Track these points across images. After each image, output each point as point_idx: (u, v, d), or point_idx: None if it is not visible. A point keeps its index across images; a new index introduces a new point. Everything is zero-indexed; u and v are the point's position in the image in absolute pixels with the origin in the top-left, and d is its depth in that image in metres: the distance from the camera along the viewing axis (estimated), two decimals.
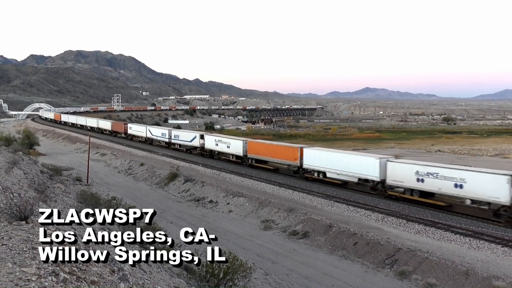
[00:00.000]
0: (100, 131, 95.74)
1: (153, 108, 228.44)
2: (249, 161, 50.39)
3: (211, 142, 57.37)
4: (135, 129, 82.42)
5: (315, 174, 41.24)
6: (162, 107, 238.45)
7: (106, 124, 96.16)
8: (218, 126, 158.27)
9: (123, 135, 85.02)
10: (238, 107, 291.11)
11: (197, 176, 44.99)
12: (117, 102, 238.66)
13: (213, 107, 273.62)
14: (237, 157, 52.21)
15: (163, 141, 70.24)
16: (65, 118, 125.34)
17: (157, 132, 73.59)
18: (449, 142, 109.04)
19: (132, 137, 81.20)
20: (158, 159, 57.33)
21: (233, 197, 37.27)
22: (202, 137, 60.11)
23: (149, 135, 74.82)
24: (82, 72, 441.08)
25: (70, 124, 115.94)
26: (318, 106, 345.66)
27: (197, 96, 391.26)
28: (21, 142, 57.33)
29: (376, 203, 33.44)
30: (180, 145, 65.77)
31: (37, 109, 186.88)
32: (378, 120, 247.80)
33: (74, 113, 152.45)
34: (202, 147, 59.23)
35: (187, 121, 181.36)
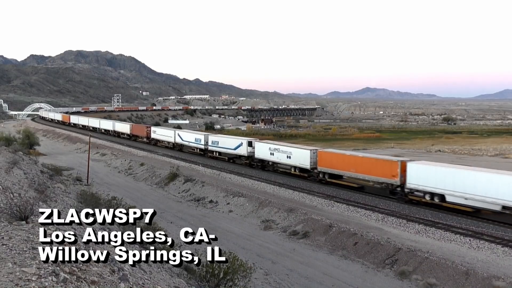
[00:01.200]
0: (116, 134, 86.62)
1: (144, 108, 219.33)
2: (320, 175, 41.45)
3: (264, 150, 48.44)
4: (161, 133, 72.57)
5: (426, 197, 32.16)
6: (154, 107, 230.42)
7: (123, 127, 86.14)
8: (218, 126, 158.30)
9: (145, 139, 75.44)
10: (233, 107, 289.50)
11: (197, 176, 45.00)
12: (117, 102, 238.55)
13: (212, 107, 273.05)
14: (302, 170, 43.39)
15: (197, 148, 61.10)
16: (75, 119, 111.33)
17: (189, 137, 63.69)
18: (449, 142, 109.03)
19: (156, 142, 72.21)
20: (158, 159, 57.33)
21: (233, 197, 37.28)
22: (250, 144, 50.93)
23: (178, 140, 65.58)
24: (82, 72, 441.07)
25: (81, 126, 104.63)
26: (317, 106, 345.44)
27: (197, 96, 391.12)
28: (21, 142, 57.37)
29: (376, 203, 33.45)
30: (220, 153, 56.50)
31: (37, 109, 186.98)
32: (378, 120, 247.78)
33: (83, 113, 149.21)
34: (250, 156, 50.60)
35: (187, 121, 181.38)
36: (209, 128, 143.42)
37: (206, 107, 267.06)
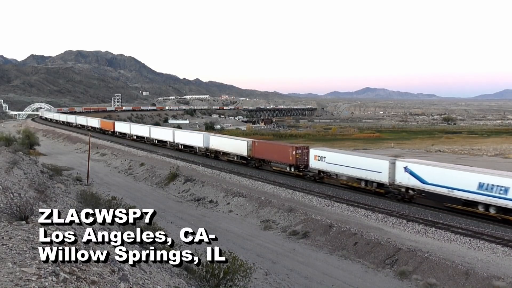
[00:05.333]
0: (150, 142, 74.31)
1: (130, 108, 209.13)
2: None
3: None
4: (183, 137, 64.90)
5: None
6: (141, 107, 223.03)
7: (165, 134, 70.96)
8: (218, 126, 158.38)
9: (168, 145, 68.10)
10: (230, 107, 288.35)
11: (197, 176, 44.99)
12: (117, 102, 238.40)
13: (211, 107, 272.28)
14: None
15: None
16: (123, 128, 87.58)
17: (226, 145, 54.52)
18: (449, 142, 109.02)
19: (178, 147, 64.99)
20: (158, 159, 57.32)
21: (233, 197, 37.27)
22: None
23: (225, 148, 54.40)
24: (82, 72, 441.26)
25: (118, 133, 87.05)
26: (314, 107, 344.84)
27: (197, 96, 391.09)
28: (21, 142, 57.37)
29: (376, 203, 33.45)
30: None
31: (37, 109, 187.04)
32: (378, 120, 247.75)
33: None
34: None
35: (187, 121, 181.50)
36: (209, 128, 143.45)
37: (206, 107, 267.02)
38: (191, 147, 62.37)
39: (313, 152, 41.90)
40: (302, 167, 43.18)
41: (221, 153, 55.29)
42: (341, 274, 22.48)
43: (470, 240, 24.79)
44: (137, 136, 79.30)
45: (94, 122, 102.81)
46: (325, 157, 40.16)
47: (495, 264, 21.50)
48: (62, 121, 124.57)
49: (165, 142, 69.82)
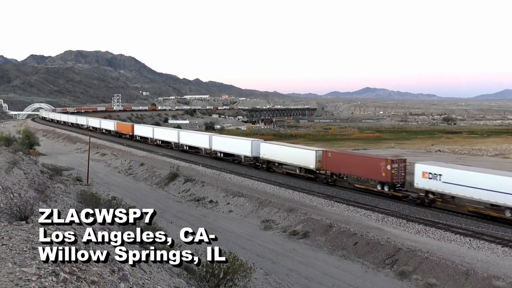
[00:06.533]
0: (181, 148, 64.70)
1: (121, 108, 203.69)
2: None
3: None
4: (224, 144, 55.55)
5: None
6: (132, 107, 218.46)
7: (202, 139, 60.35)
8: (218, 126, 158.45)
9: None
10: (224, 107, 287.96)
11: (197, 176, 44.99)
12: (117, 102, 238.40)
13: (211, 107, 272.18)
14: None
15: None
16: (143, 132, 77.64)
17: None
18: (449, 142, 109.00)
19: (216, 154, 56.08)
20: (158, 159, 57.31)
21: (233, 197, 37.28)
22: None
23: (292, 161, 45.08)
24: (82, 72, 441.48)
25: (138, 138, 77.44)
26: (311, 107, 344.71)
27: (197, 96, 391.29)
28: (21, 142, 57.39)
29: (376, 203, 33.45)
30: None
31: (37, 109, 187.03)
32: (378, 120, 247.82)
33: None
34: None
35: (187, 121, 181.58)
36: (209, 128, 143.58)
37: (207, 107, 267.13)
38: (232, 155, 53.44)
39: (421, 168, 33.44)
40: (399, 185, 35.18)
41: (276, 164, 47.14)
42: (341, 274, 22.48)
43: (470, 240, 24.80)
44: (162, 141, 69.22)
45: (109, 124, 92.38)
46: (441, 175, 31.68)
47: (495, 264, 21.51)
48: (71, 123, 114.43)
49: (199, 148, 60.58)
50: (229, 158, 54.00)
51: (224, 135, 70.19)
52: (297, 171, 44.13)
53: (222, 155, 54.73)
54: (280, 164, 46.44)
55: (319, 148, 45.24)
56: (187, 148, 62.99)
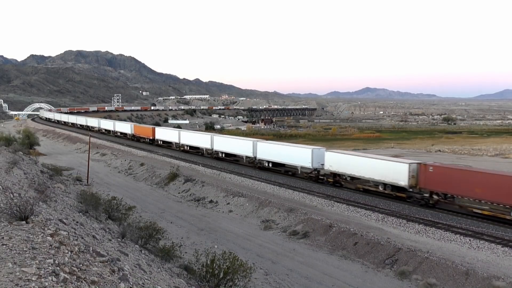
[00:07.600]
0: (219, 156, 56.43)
1: (113, 109, 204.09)
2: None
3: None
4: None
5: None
6: (125, 107, 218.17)
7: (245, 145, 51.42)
8: (218, 126, 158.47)
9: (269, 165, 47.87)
10: (219, 107, 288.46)
11: (197, 176, 44.98)
12: (117, 102, 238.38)
13: (201, 107, 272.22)
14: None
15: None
16: (164, 135, 70.68)
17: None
18: (449, 142, 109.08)
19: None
20: (158, 159, 57.30)
21: (233, 197, 37.26)
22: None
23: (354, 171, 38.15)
24: (82, 72, 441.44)
25: (161, 142, 70.38)
26: (311, 107, 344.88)
27: (197, 96, 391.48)
28: (21, 142, 57.41)
29: (376, 203, 33.44)
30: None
31: (37, 109, 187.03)
32: (378, 120, 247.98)
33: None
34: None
35: (187, 121, 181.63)
36: (209, 128, 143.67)
37: (201, 107, 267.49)
38: (283, 165, 46.27)
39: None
40: None
41: (348, 178, 38.60)
42: (341, 274, 22.47)
43: (470, 240, 24.79)
44: (190, 147, 62.07)
45: (125, 127, 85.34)
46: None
47: (495, 264, 21.50)
48: (80, 125, 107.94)
49: (239, 156, 52.54)
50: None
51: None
52: (380, 188, 35.57)
53: (271, 164, 47.59)
54: (354, 178, 38.19)
55: (413, 160, 35.70)
56: (223, 155, 55.54)
